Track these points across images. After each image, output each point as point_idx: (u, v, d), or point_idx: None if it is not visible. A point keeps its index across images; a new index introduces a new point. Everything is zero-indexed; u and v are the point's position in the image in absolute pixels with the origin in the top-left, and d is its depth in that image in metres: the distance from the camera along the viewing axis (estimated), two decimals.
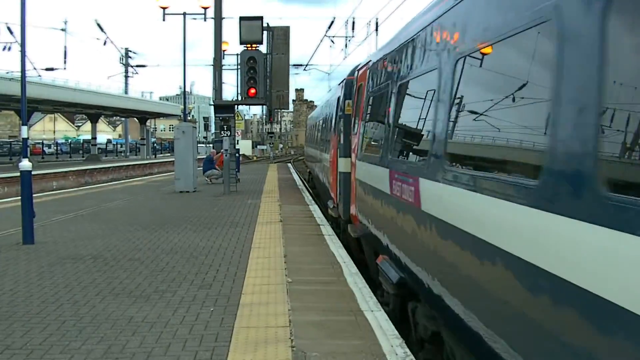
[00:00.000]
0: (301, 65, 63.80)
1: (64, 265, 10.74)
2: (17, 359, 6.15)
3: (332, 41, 49.00)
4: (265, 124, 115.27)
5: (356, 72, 15.10)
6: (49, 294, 8.74)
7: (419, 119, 7.96)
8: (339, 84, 18.86)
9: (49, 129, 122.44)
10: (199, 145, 51.31)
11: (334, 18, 48.26)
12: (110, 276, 9.91)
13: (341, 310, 7.97)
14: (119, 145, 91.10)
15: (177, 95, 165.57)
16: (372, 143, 11.47)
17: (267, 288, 9.08)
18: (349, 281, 9.57)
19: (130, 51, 73.92)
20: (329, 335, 6.90)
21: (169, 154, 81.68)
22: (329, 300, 8.48)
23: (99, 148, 72.42)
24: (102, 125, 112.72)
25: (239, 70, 24.78)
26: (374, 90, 11.82)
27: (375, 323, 7.34)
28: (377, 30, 42.14)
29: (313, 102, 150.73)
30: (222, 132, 25.96)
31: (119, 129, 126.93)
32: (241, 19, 23.38)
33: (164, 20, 37.61)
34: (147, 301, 8.40)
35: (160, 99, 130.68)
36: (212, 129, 66.89)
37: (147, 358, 6.16)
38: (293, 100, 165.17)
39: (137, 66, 72.87)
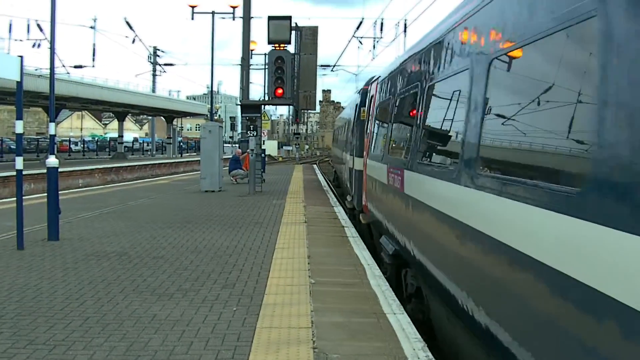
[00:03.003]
0: (329, 65, 64.08)
1: (89, 262, 10.79)
2: (40, 354, 6.17)
3: (360, 42, 49.07)
4: (292, 125, 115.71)
5: (370, 85, 18.52)
6: (73, 291, 8.78)
7: (406, 126, 10.83)
8: (357, 92, 22.76)
9: (77, 127, 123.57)
10: (225, 145, 51.40)
11: (363, 19, 48.12)
12: (134, 274, 9.95)
13: (364, 312, 7.93)
14: (145, 144, 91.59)
15: (204, 94, 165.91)
16: (379, 145, 14.25)
17: (290, 289, 9.06)
18: (372, 283, 9.52)
19: (159, 49, 74.50)
20: (351, 337, 6.86)
21: (194, 153, 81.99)
22: (352, 302, 8.44)
23: (125, 146, 72.87)
24: (129, 123, 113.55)
25: (266, 70, 24.77)
26: (380, 101, 14.64)
27: (398, 326, 7.29)
28: (405, 31, 42.11)
29: (340, 103, 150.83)
30: (248, 132, 26.02)
31: (146, 127, 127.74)
32: (270, 18, 23.39)
33: (192, 19, 37.95)
34: (171, 299, 8.41)
35: (188, 97, 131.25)
36: (239, 128, 67.09)
37: (169, 356, 6.16)
38: (320, 101, 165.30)
39: (165, 65, 73.50)
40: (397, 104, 12.00)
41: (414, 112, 9.66)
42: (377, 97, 15.66)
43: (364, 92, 19.87)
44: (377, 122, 15.18)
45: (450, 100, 7.75)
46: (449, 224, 6.88)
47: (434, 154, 8.78)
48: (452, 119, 7.57)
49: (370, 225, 15.96)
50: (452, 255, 6.78)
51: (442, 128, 8.30)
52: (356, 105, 21.37)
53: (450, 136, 7.77)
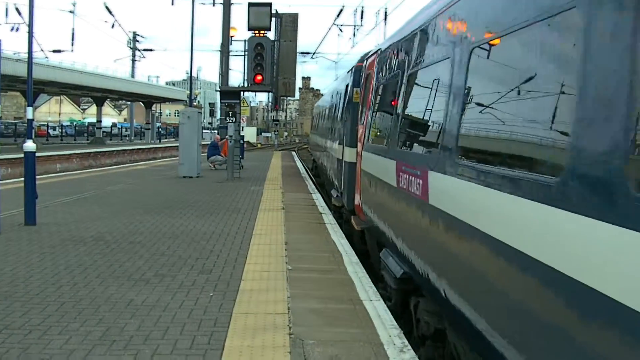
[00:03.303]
0: (309, 53, 63.96)
1: (65, 247, 10.75)
2: (16, 338, 6.15)
3: (341, 30, 49.09)
4: (271, 112, 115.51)
5: (365, 60, 14.89)
6: (49, 275, 8.75)
7: (429, 110, 7.50)
8: (348, 72, 18.83)
9: (55, 111, 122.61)
10: (203, 131, 51.26)
11: (343, 6, 48.15)
12: (111, 259, 9.92)
13: (340, 298, 7.97)
14: (123, 129, 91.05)
15: (183, 80, 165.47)
16: (382, 134, 10.67)
17: (267, 275, 9.09)
18: (349, 270, 9.57)
19: (138, 35, 73.88)
20: (327, 323, 6.90)
21: (173, 139, 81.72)
22: (329, 288, 8.48)
23: (103, 131, 72.32)
24: (107, 108, 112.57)
25: (246, 56, 24.72)
26: (382, 79, 11.30)
27: (374, 312, 7.34)
28: (385, 19, 42.02)
29: (319, 90, 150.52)
30: (227, 118, 25.98)
31: (125, 112, 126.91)
32: (250, 5, 23.31)
33: (172, 4, 37.70)
34: (147, 284, 8.41)
35: (167, 83, 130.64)
36: (218, 115, 66.82)
37: (144, 341, 6.17)
38: (299, 88, 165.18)
39: (144, 50, 72.96)
40: (411, 80, 8.68)
41: (448, 88, 6.46)
42: (376, 75, 12.24)
43: (357, 70, 16.23)
44: (377, 104, 11.68)
45: (526, 67, 4.72)
46: (535, 270, 4.07)
47: (499, 151, 5.24)
48: (539, 96, 4.40)
49: (365, 231, 12.97)
50: (532, 318, 4.13)
51: (522, 110, 4.72)
52: (347, 85, 17.60)
53: (550, 124, 4.15)
